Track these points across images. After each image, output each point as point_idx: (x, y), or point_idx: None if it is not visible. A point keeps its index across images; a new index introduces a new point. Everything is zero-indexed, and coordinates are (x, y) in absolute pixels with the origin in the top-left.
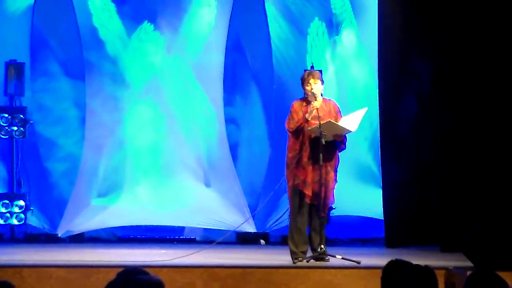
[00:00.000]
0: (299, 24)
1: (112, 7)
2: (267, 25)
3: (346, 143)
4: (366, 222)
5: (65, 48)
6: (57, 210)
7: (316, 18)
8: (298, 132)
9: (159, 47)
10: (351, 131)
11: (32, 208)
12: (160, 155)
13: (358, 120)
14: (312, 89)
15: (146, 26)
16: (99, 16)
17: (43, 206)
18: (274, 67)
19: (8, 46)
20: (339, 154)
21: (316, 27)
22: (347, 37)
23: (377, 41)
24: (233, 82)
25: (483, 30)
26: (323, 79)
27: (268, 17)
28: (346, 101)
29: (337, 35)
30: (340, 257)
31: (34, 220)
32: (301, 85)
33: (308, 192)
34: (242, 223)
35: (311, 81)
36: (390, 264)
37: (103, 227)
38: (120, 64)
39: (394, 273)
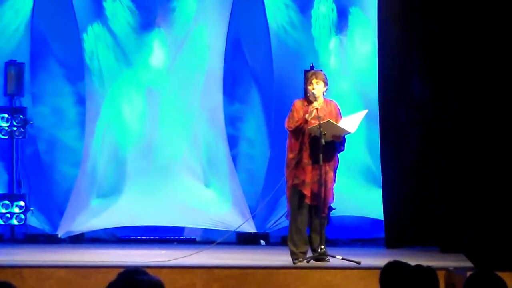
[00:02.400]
0: (300, 23)
1: (114, 8)
2: (267, 26)
3: (345, 144)
4: (366, 222)
5: (65, 49)
6: (57, 211)
7: None
8: (298, 132)
9: (159, 48)
10: (350, 132)
11: (32, 209)
12: (160, 156)
13: (358, 122)
14: (313, 89)
15: (148, 27)
16: (99, 16)
17: (43, 207)
18: (274, 68)
19: (8, 46)
20: (338, 155)
21: (317, 25)
22: (349, 35)
23: (377, 38)
24: (232, 82)
25: (483, 34)
26: (327, 81)
27: (268, 17)
28: (346, 100)
29: (338, 34)
30: (340, 257)
31: (34, 221)
32: (303, 84)
33: (307, 192)
34: (242, 224)
35: (314, 81)
36: (388, 265)
37: (103, 228)
38: (120, 65)
39: (392, 274)
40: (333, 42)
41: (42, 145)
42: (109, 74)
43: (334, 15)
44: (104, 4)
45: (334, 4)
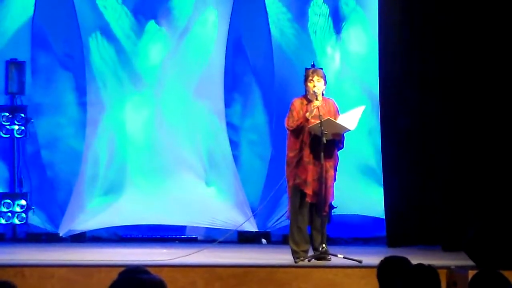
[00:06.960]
0: (300, 21)
1: (115, 7)
2: (268, 24)
3: (344, 142)
4: (368, 221)
5: (66, 48)
6: (58, 210)
7: (319, 15)
8: (298, 131)
9: (160, 47)
10: (350, 130)
11: (33, 208)
12: (161, 154)
13: (357, 119)
14: (314, 87)
15: (148, 26)
16: (100, 16)
17: (45, 206)
18: (275, 66)
19: (9, 44)
20: (339, 153)
21: (318, 22)
22: (349, 34)
23: (378, 37)
24: (234, 81)
25: (483, 27)
26: (326, 79)
27: (269, 16)
28: (347, 98)
29: (338, 33)
30: (342, 256)
31: (36, 220)
32: (303, 82)
33: (309, 191)
34: (243, 222)
35: (315, 79)
36: (385, 261)
37: (104, 227)
38: (121, 64)
39: (390, 270)
40: (333, 40)
41: (43, 144)
42: (110, 74)
43: (335, 13)
44: (104, 4)
45: (335, 3)
